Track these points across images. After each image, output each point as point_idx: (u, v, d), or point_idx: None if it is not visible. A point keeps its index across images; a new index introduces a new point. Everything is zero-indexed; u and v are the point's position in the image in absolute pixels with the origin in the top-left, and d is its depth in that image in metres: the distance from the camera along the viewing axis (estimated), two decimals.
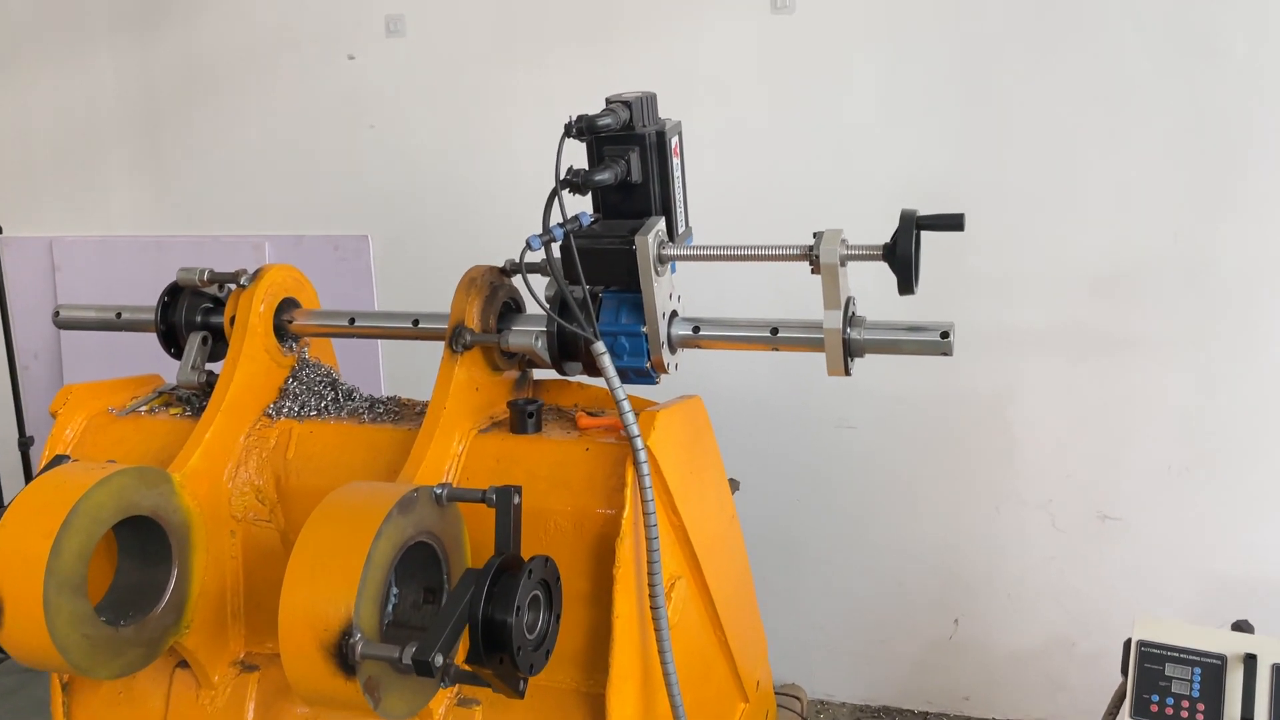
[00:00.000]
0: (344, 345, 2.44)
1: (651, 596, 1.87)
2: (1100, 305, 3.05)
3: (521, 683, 1.71)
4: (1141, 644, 2.34)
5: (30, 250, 4.15)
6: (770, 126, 3.26)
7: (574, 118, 1.90)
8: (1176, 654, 2.32)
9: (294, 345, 2.30)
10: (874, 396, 3.27)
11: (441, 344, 2.08)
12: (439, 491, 1.76)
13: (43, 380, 4.22)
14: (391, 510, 1.65)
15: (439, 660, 1.57)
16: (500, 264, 2.16)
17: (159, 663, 1.99)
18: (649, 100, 1.99)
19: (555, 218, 1.87)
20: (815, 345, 1.95)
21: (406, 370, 3.66)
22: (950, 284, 2.97)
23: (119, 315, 2.38)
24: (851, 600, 3.45)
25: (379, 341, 3.66)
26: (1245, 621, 2.41)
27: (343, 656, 1.57)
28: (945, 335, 1.87)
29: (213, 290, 2.30)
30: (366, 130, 3.69)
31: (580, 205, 1.95)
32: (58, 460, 1.99)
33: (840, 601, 3.46)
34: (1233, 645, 2.29)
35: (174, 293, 2.30)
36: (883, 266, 1.84)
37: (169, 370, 2.36)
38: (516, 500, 1.76)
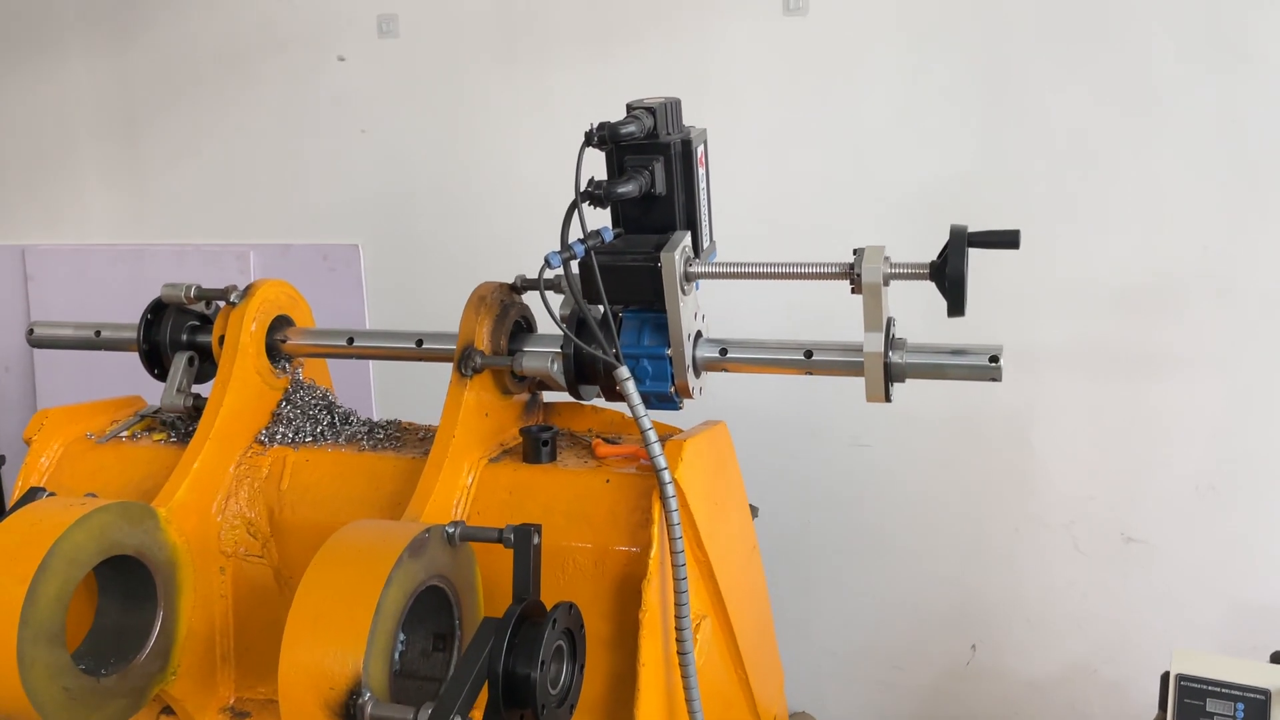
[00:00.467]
0: (334, 362, 2.31)
1: (679, 642, 1.75)
2: (1125, 319, 2.95)
3: None
4: (1181, 678, 2.28)
5: (2, 259, 4.00)
6: (781, 132, 3.14)
7: (595, 125, 1.77)
8: (1218, 688, 2.25)
9: (287, 366, 2.16)
10: (888, 413, 3.10)
11: (442, 364, 1.95)
12: (451, 531, 1.63)
13: (15, 394, 4.07)
14: (402, 554, 1.51)
15: None
16: (502, 277, 2.03)
17: (142, 712, 1.84)
18: (673, 106, 1.86)
19: (574, 233, 1.74)
20: (853, 369, 1.82)
21: (399, 389, 3.53)
22: (969, 297, 2.86)
23: (98, 333, 2.23)
24: (865, 625, 3.34)
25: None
26: None
27: (350, 718, 1.43)
28: (994, 360, 1.76)
29: (199, 308, 2.17)
30: (357, 134, 3.56)
31: (594, 218, 1.82)
32: (33, 494, 1.84)
33: (853, 626, 3.35)
34: (1276, 679, 2.21)
35: (158, 310, 2.16)
36: None
37: (149, 388, 2.21)
38: (536, 540, 1.62)
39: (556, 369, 1.90)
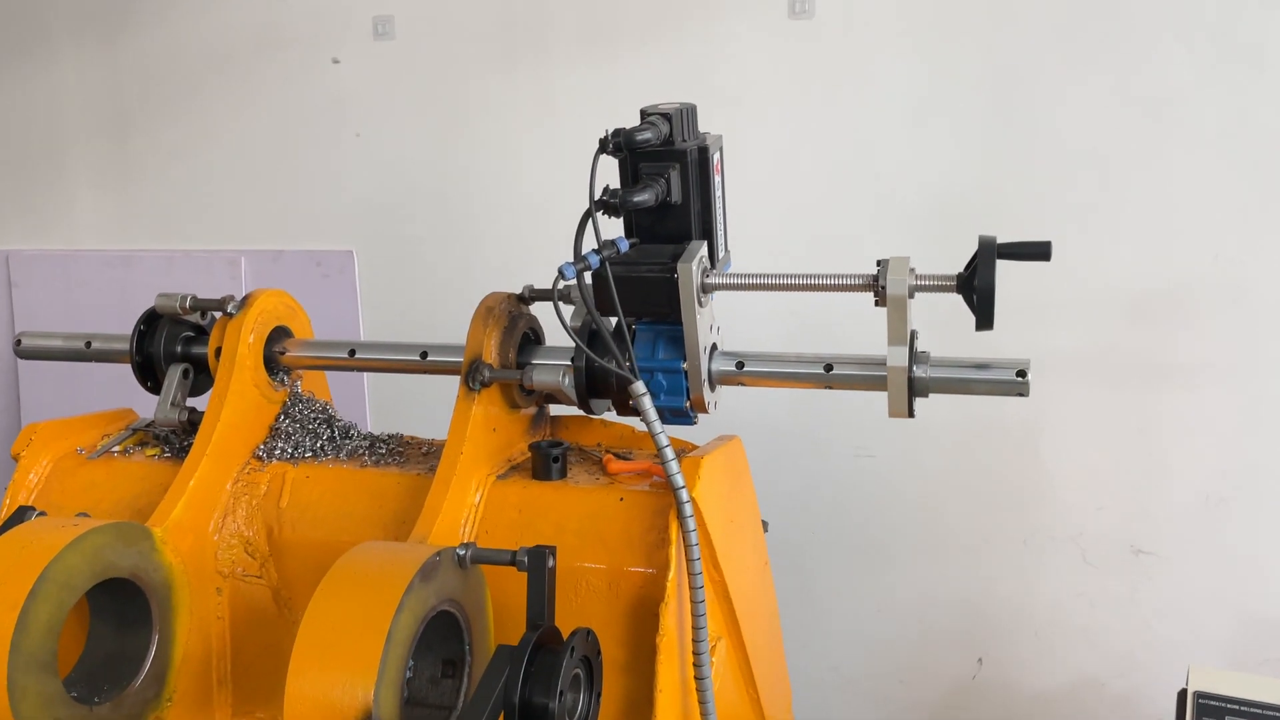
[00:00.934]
0: (329, 373, 2.23)
1: (696, 667, 1.69)
2: (1135, 328, 2.91)
3: None
4: (1199, 695, 2.26)
5: None
6: (786, 137, 3.10)
7: (609, 131, 1.71)
8: (1237, 706, 2.23)
9: (285, 378, 2.09)
10: (894, 423, 3.07)
11: (447, 377, 1.88)
12: (462, 553, 1.56)
13: None
14: (413, 579, 1.45)
15: None
16: (498, 285, 1.97)
17: None
18: (689, 112, 1.80)
19: (588, 243, 1.68)
20: (875, 384, 1.77)
21: (395, 400, 3.46)
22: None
23: (89, 345, 2.15)
24: (870, 639, 3.29)
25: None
26: None
27: None
28: (1022, 374, 1.70)
29: (194, 318, 2.09)
30: (352, 138, 3.51)
31: (606, 227, 1.76)
32: (22, 513, 1.76)
33: (858, 640, 3.30)
34: None
35: (151, 320, 2.08)
36: None
37: (137, 398, 2.14)
38: (551, 563, 1.56)
39: (568, 383, 1.83)
